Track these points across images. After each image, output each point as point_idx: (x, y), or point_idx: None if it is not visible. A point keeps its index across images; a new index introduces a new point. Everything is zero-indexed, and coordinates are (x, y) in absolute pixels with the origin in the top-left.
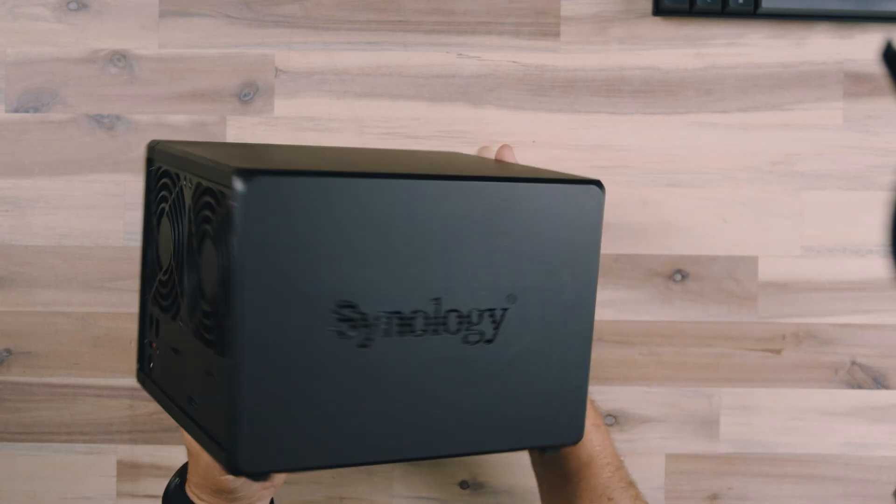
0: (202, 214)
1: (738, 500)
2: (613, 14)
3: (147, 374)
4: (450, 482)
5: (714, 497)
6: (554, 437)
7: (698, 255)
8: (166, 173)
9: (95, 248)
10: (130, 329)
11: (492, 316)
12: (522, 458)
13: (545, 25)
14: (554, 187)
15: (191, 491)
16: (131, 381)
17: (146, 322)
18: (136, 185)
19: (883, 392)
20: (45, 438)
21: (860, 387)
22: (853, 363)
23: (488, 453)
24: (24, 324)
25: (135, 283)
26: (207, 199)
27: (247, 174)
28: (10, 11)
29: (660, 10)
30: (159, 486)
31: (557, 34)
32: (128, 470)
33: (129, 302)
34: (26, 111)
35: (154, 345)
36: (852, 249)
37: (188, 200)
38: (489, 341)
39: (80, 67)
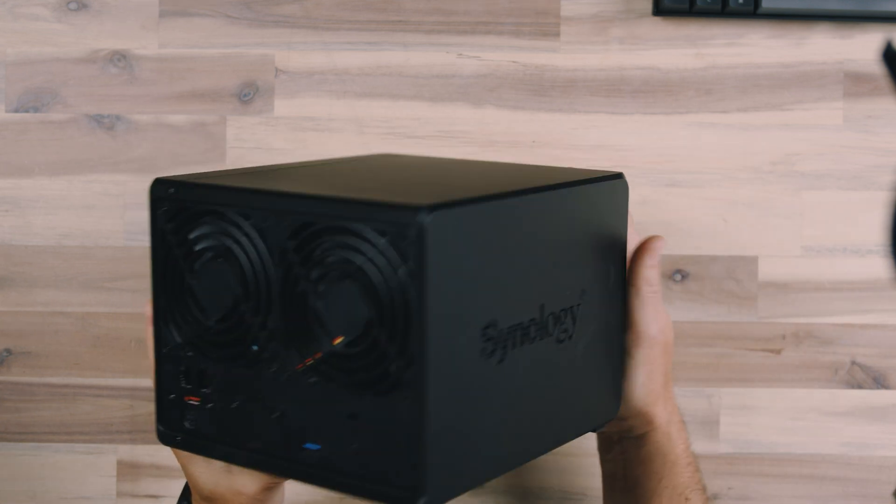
0: (323, 255)
1: (738, 500)
2: (613, 14)
3: (182, 431)
4: None
5: (714, 497)
6: (605, 415)
7: (698, 255)
8: (211, 213)
9: (95, 248)
10: (130, 329)
11: (572, 313)
12: None
13: (545, 25)
14: (599, 184)
15: None
16: (131, 381)
17: (173, 376)
18: (136, 185)
19: (883, 392)
20: (45, 438)
21: (860, 387)
22: (853, 363)
23: (568, 442)
24: (24, 324)
25: (135, 283)
26: (332, 238)
27: (426, 211)
28: (10, 11)
29: (660, 10)
30: (159, 486)
31: (557, 34)
32: (128, 470)
33: (128, 302)
34: (26, 111)
35: (189, 398)
36: (852, 249)
37: (278, 241)
38: (570, 337)
39: (80, 67)
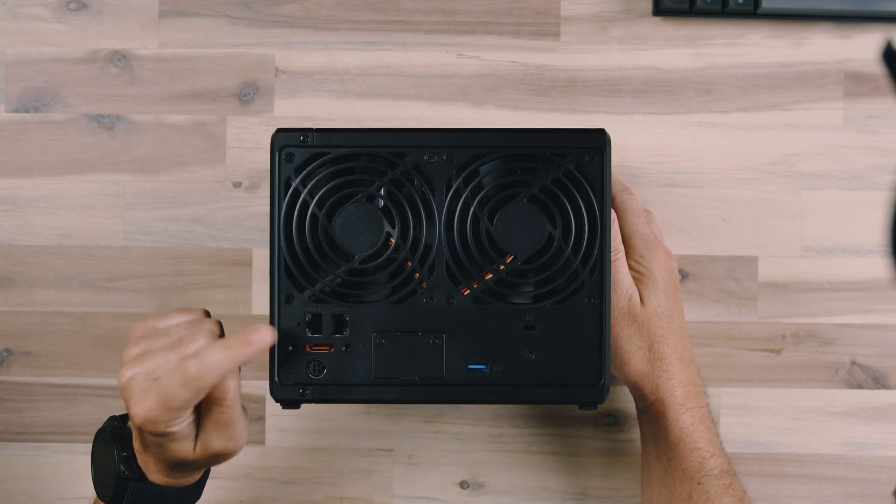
0: (494, 183)
1: None
2: (613, 14)
3: (307, 384)
4: (450, 482)
5: None
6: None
7: (698, 255)
8: (355, 157)
9: (95, 248)
10: (130, 329)
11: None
12: (523, 458)
13: (545, 25)
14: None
15: (147, 467)
16: None
17: (294, 330)
18: (135, 185)
19: (883, 392)
20: (45, 438)
21: (860, 387)
22: (853, 363)
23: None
24: (24, 324)
25: (135, 283)
26: (507, 165)
27: (606, 133)
28: (10, 11)
29: (660, 10)
30: None
31: (557, 34)
32: None
33: (128, 302)
34: (26, 111)
35: (316, 347)
36: (852, 249)
37: (440, 174)
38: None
39: (80, 67)
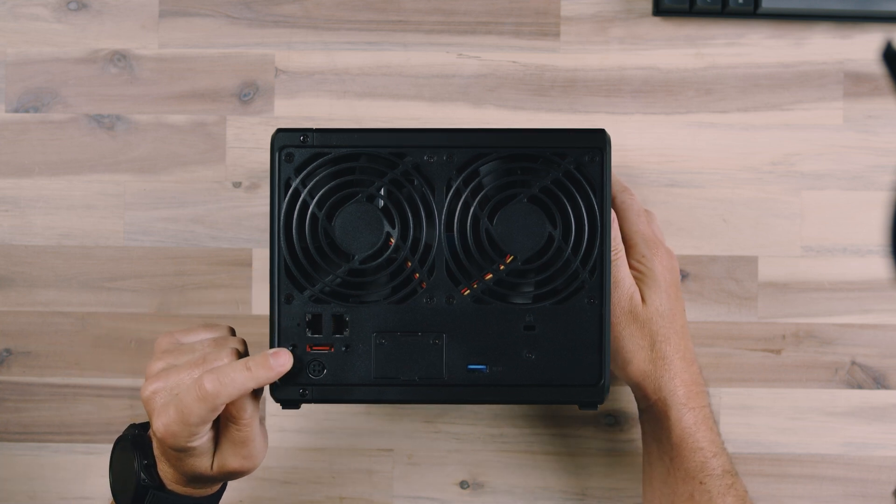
0: (494, 183)
1: None
2: (613, 14)
3: (308, 385)
4: (450, 482)
5: None
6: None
7: (698, 255)
8: (356, 157)
9: (95, 248)
10: (130, 329)
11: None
12: (523, 458)
13: (545, 25)
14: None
15: (167, 480)
16: (131, 381)
17: (294, 330)
18: (135, 185)
19: (883, 392)
20: (45, 438)
21: (860, 387)
22: (853, 363)
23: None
24: (24, 324)
25: (135, 283)
26: (507, 165)
27: (606, 134)
28: (10, 11)
29: (660, 10)
30: None
31: (557, 34)
32: None
33: (128, 302)
34: (26, 111)
35: (317, 348)
36: (852, 249)
37: (440, 174)
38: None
39: (80, 67)
